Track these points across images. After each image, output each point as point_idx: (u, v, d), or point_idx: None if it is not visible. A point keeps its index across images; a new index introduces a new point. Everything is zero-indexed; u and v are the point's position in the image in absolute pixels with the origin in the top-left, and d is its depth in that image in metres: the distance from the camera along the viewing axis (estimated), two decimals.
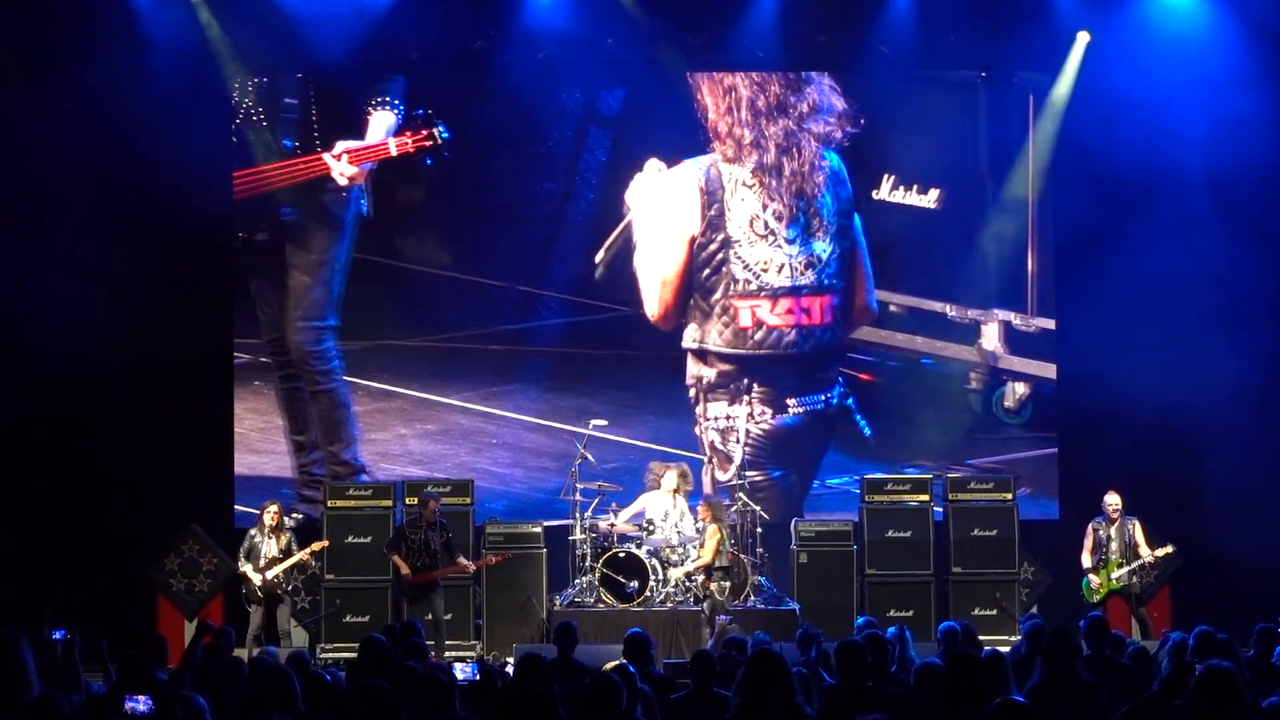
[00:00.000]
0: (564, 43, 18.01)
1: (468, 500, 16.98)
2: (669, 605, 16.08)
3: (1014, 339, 18.30)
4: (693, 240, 18.12)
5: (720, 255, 18.11)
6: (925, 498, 17.13)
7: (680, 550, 16.34)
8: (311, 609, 17.07)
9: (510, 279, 18.40)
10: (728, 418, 17.88)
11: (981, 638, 12.46)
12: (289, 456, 18.20)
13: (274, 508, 16.11)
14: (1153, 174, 17.53)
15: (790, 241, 18.14)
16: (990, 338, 18.25)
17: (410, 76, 18.28)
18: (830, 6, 18.13)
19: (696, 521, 16.34)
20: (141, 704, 7.77)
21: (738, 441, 17.70)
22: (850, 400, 18.32)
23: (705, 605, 15.65)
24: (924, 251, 18.36)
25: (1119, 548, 16.01)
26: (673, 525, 16.41)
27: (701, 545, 15.78)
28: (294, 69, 18.14)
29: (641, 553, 16.17)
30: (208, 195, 17.48)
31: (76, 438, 17.45)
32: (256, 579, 15.75)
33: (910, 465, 17.86)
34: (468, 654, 15.80)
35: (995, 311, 18.26)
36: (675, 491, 16.63)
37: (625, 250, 18.22)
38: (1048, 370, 18.20)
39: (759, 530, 16.72)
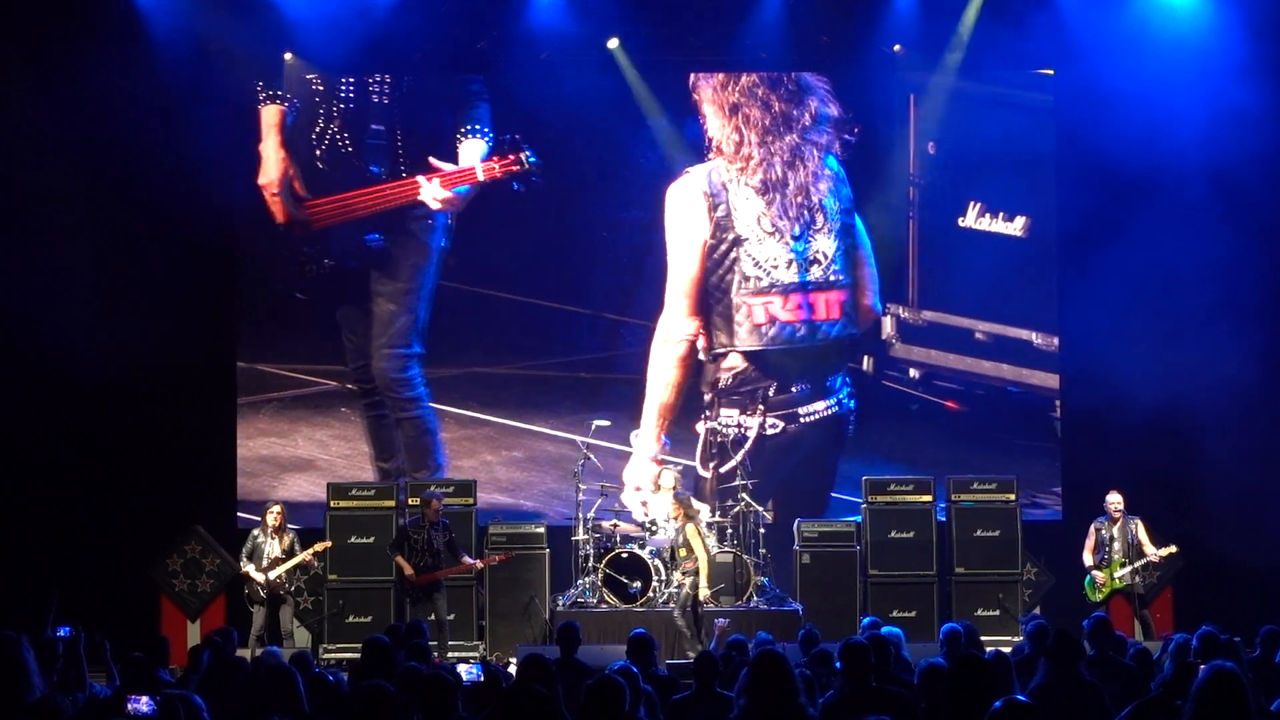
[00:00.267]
0: (565, 43, 18.05)
1: (470, 501, 16.97)
2: (671, 606, 16.05)
3: None
4: (705, 246, 18.19)
5: (731, 254, 18.19)
6: (928, 498, 17.12)
7: (705, 549, 16.30)
8: (314, 609, 17.08)
9: (596, 306, 18.43)
10: (740, 426, 17.84)
11: (984, 638, 12.45)
12: None
13: (277, 508, 16.11)
14: (1157, 169, 17.53)
15: (796, 238, 18.20)
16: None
17: (495, 102, 18.37)
18: (839, 6, 18.14)
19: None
20: (144, 704, 7.76)
21: (741, 446, 17.60)
22: (853, 404, 18.32)
23: (676, 601, 15.57)
24: (1011, 279, 18.37)
25: (1121, 547, 16.00)
26: (675, 525, 16.39)
27: (691, 550, 15.60)
28: (295, 71, 18.12)
29: (644, 553, 16.18)
30: (211, 200, 17.58)
31: (79, 439, 17.46)
32: (259, 579, 15.75)
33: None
34: (470, 654, 15.80)
35: None
36: (675, 490, 16.63)
37: None
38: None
39: (761, 531, 16.72)
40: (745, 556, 16.34)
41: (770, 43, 18.15)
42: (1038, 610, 16.90)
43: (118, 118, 17.13)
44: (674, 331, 18.28)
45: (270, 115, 18.35)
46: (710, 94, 18.26)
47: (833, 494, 18.26)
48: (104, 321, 17.02)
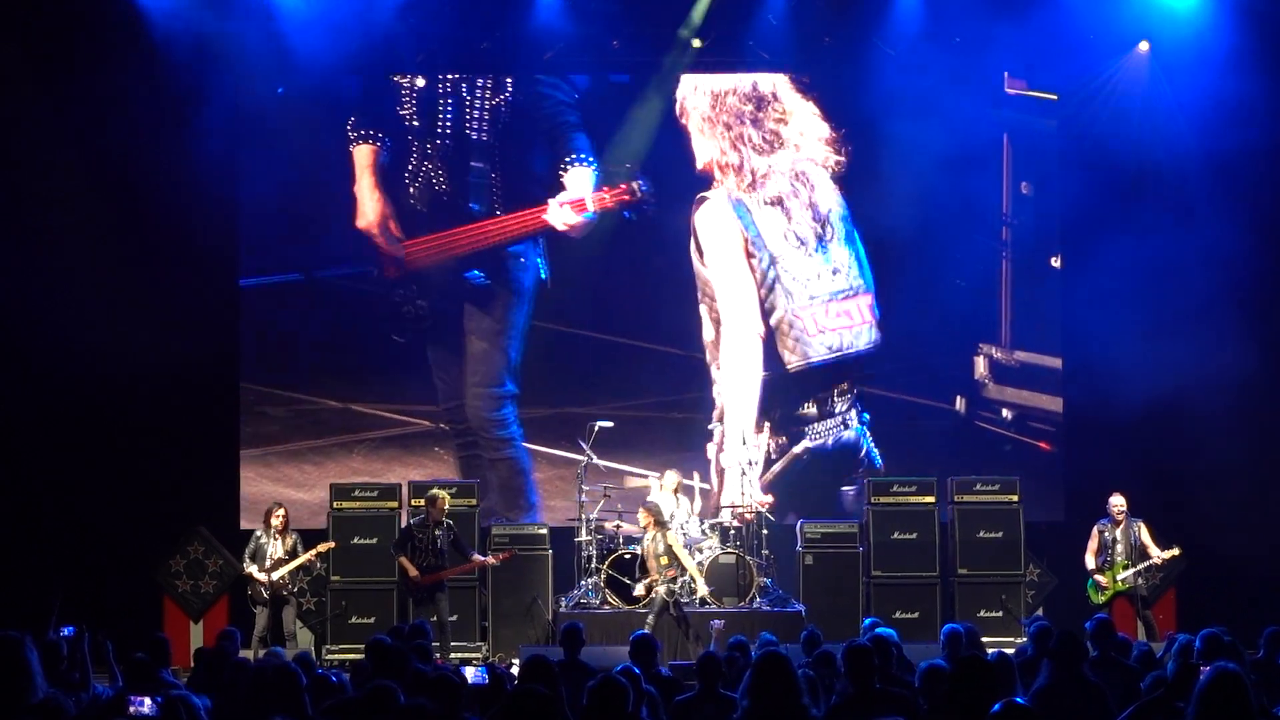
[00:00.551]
0: (568, 43, 18.08)
1: (473, 501, 16.98)
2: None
3: None
4: (749, 259, 18.20)
5: (771, 272, 18.20)
6: (931, 499, 17.12)
7: (686, 551, 16.33)
8: (317, 610, 17.08)
9: (688, 346, 18.39)
10: (754, 445, 17.80)
11: (986, 639, 12.46)
12: None
13: (281, 509, 16.12)
14: (1161, 166, 17.55)
15: (818, 250, 18.29)
16: None
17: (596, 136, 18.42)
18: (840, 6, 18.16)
19: (691, 523, 16.45)
20: (146, 706, 7.77)
21: (753, 464, 17.57)
22: (867, 422, 18.32)
23: (652, 603, 15.57)
24: None
25: (1124, 549, 16.00)
26: (678, 525, 16.41)
27: (673, 559, 15.57)
28: (297, 73, 18.13)
29: None
30: (214, 204, 17.63)
31: (82, 439, 17.46)
32: (262, 580, 15.75)
33: None
34: (473, 655, 15.80)
35: None
36: (676, 491, 16.65)
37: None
38: None
39: (765, 532, 16.71)
40: (748, 558, 16.33)
41: (774, 44, 18.15)
42: (1040, 611, 16.89)
43: (122, 119, 17.14)
44: (748, 339, 18.21)
45: (363, 156, 18.36)
46: (698, 118, 18.24)
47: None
48: (107, 323, 17.02)
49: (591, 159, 18.40)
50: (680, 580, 15.53)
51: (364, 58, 17.98)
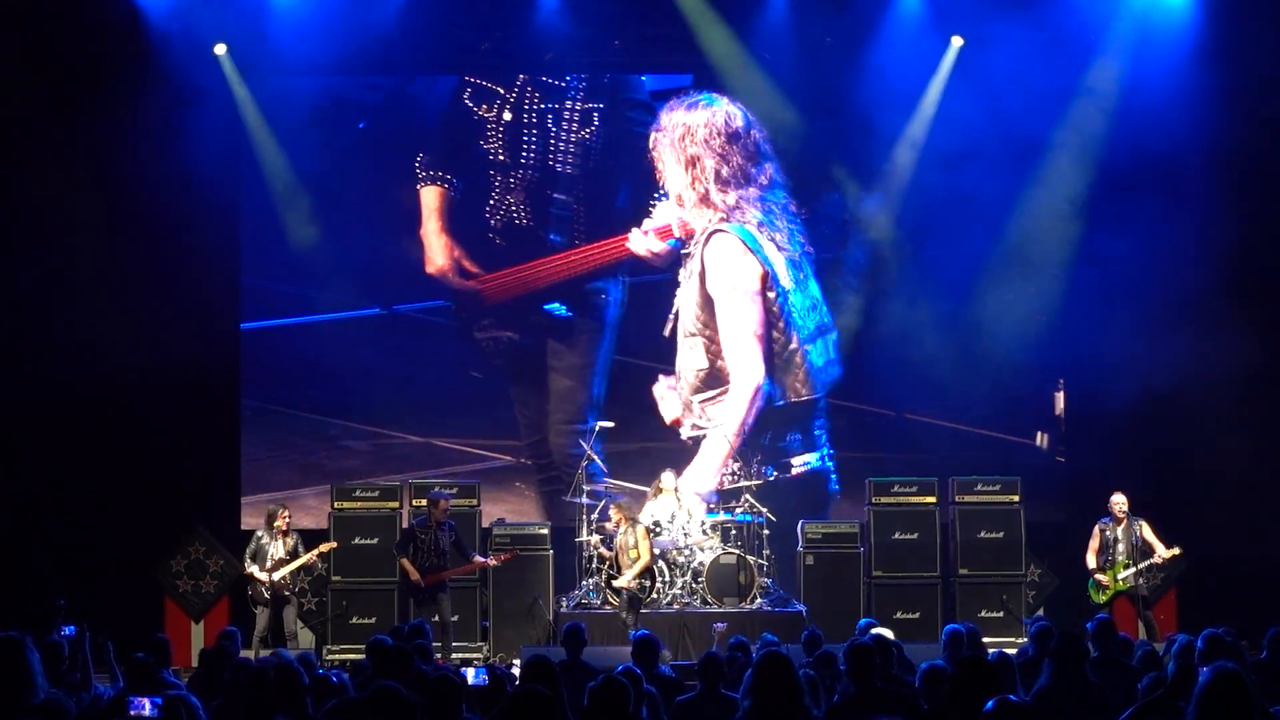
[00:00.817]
0: (569, 45, 18.08)
1: (474, 502, 16.98)
2: (675, 607, 16.08)
3: None
4: (758, 294, 18.19)
5: (782, 305, 18.22)
6: (932, 500, 17.12)
7: (687, 552, 16.35)
8: (318, 610, 17.08)
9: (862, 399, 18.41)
10: (734, 475, 17.77)
11: (987, 640, 12.47)
12: None
13: (285, 511, 16.12)
14: (1157, 160, 17.57)
15: (800, 288, 18.33)
16: None
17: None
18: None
19: (692, 524, 16.46)
20: (146, 707, 7.76)
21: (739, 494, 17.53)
22: (832, 464, 18.32)
23: (622, 604, 15.63)
24: None
25: (1125, 548, 15.98)
26: (679, 526, 16.42)
27: (635, 547, 15.75)
28: (295, 73, 18.15)
29: None
30: (215, 207, 17.70)
31: (83, 440, 17.47)
32: (263, 580, 15.75)
33: None
34: (475, 656, 15.81)
35: None
36: (676, 491, 16.67)
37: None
38: None
39: (765, 532, 16.72)
40: (749, 558, 16.34)
41: (777, 45, 18.15)
42: (1041, 612, 16.89)
43: (124, 121, 17.15)
44: (750, 383, 18.17)
45: (431, 197, 18.40)
46: (668, 148, 18.22)
47: None
48: (108, 323, 17.04)
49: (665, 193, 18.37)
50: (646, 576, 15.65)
51: (359, 59, 18.00)
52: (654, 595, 16.05)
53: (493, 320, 18.32)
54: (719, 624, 14.91)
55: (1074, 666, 8.39)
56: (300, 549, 15.98)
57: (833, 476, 18.24)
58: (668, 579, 16.25)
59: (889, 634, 10.98)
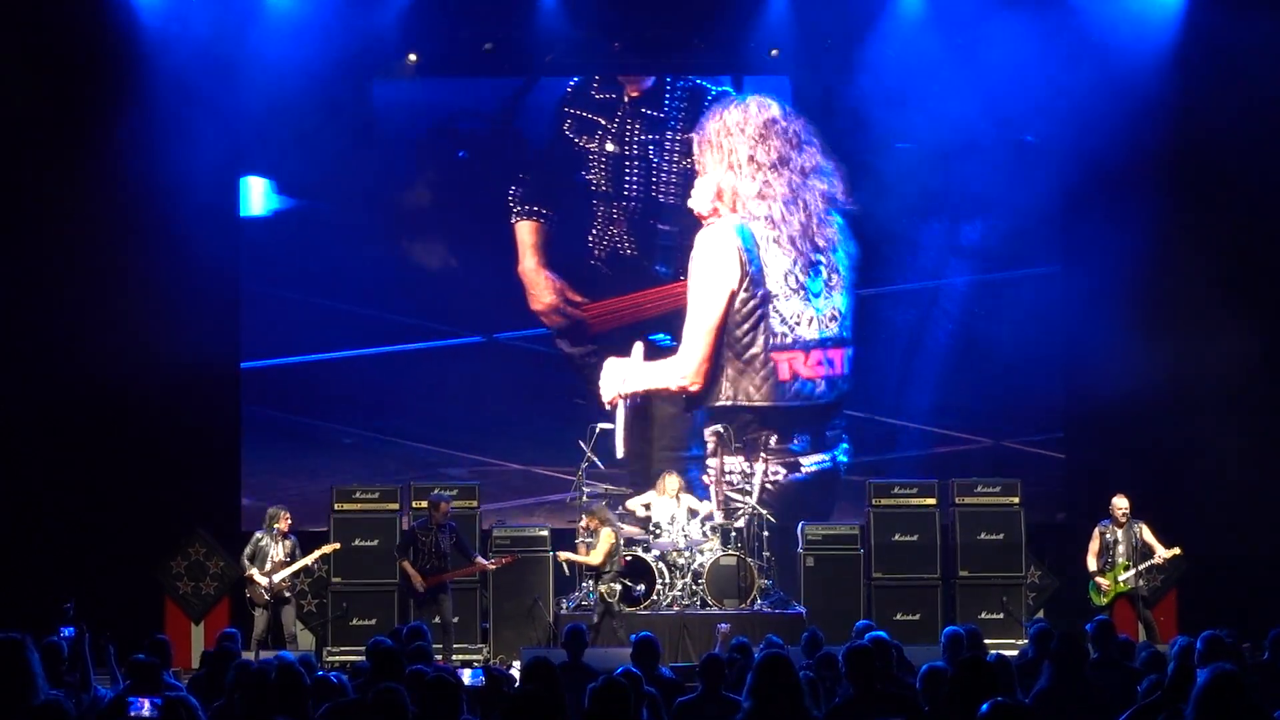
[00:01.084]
0: (570, 46, 18.09)
1: (474, 503, 16.98)
2: (675, 609, 16.09)
3: None
4: (732, 295, 18.17)
5: (760, 310, 18.17)
6: (932, 501, 17.12)
7: (687, 554, 16.37)
8: (318, 612, 17.08)
9: (871, 410, 18.36)
10: (744, 474, 17.79)
11: (988, 641, 12.45)
12: None
13: (285, 513, 16.12)
14: (1157, 159, 17.58)
15: (815, 295, 18.22)
16: None
17: None
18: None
19: (692, 525, 16.47)
20: (146, 708, 7.77)
21: (748, 492, 17.52)
22: (846, 459, 18.28)
23: (596, 609, 15.65)
24: None
25: (1126, 550, 15.98)
26: (679, 528, 16.43)
27: (593, 547, 15.81)
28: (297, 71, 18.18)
29: (648, 556, 16.20)
30: (215, 210, 17.74)
31: (84, 441, 17.47)
32: (263, 582, 15.75)
33: None
34: (475, 657, 15.82)
35: None
36: (678, 494, 16.68)
37: None
38: None
39: (765, 534, 16.72)
40: (749, 560, 16.34)
41: (782, 44, 18.16)
42: (1041, 614, 16.89)
43: (125, 124, 17.19)
44: (686, 372, 18.21)
45: (526, 233, 18.40)
46: (704, 144, 18.21)
47: None
48: (109, 324, 17.05)
49: None
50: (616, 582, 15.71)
51: (360, 60, 18.02)
52: (654, 597, 16.06)
53: (597, 348, 18.33)
54: (722, 625, 14.93)
55: (1074, 668, 8.39)
56: (298, 552, 15.97)
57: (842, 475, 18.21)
58: (668, 581, 16.26)
59: (882, 635, 10.99)
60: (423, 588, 15.17)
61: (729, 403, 18.06)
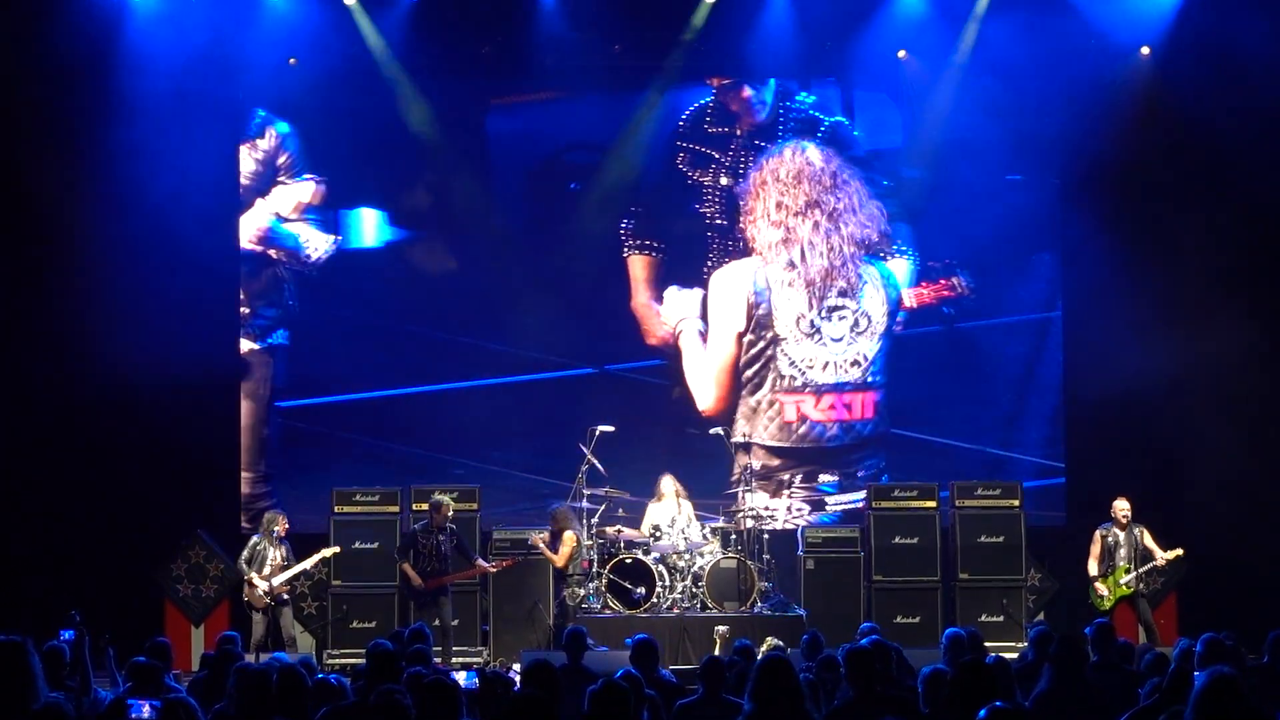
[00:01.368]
0: (569, 49, 18.08)
1: (474, 506, 16.98)
2: (675, 611, 16.09)
3: None
4: (740, 336, 18.24)
5: (768, 352, 18.21)
6: (932, 504, 17.12)
7: (687, 556, 16.37)
8: (318, 615, 17.08)
9: (981, 442, 18.34)
10: (766, 509, 17.79)
11: (988, 644, 12.44)
12: None
13: (283, 517, 16.13)
14: (1156, 157, 17.58)
15: (836, 340, 18.20)
16: None
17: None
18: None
19: (692, 528, 16.48)
20: (145, 709, 7.78)
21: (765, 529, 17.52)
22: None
23: (558, 609, 15.70)
24: None
25: (1127, 554, 15.98)
26: (679, 531, 16.43)
27: (557, 550, 15.86)
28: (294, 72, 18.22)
29: (648, 559, 16.20)
30: (215, 212, 17.80)
31: (84, 443, 17.48)
32: (262, 585, 15.74)
33: None
34: (475, 660, 15.82)
35: None
36: (677, 497, 16.68)
37: None
38: None
39: (765, 536, 16.72)
40: (749, 562, 16.34)
41: (781, 51, 18.16)
42: (1041, 616, 16.89)
43: (126, 124, 17.19)
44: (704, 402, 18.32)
45: (639, 268, 18.49)
46: (753, 198, 18.27)
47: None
48: (110, 328, 17.05)
49: (910, 250, 18.35)
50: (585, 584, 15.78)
51: (360, 64, 18.04)
52: (654, 600, 16.06)
53: None
54: (720, 627, 14.94)
55: (1073, 671, 8.39)
56: (291, 558, 15.97)
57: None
58: (668, 583, 16.25)
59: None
60: (421, 587, 15.17)
61: (744, 439, 18.04)
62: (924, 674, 7.85)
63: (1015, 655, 12.82)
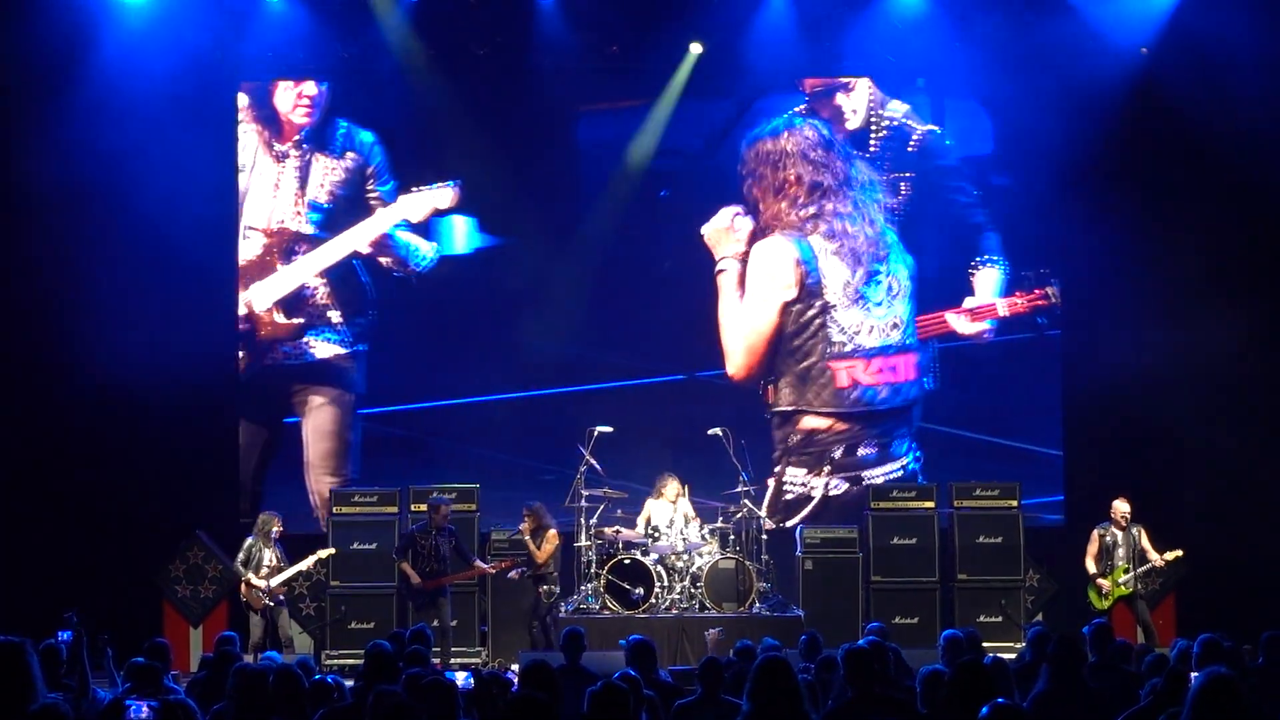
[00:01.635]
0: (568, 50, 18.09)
1: (473, 507, 16.98)
2: (674, 612, 16.10)
3: None
4: (785, 306, 18.23)
5: (818, 320, 18.20)
6: (930, 504, 17.12)
7: (685, 557, 16.38)
8: (317, 615, 17.08)
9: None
10: (805, 485, 17.78)
11: (987, 644, 12.46)
12: None
13: (278, 519, 16.12)
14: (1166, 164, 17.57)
15: (878, 304, 18.23)
16: None
17: None
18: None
19: (691, 528, 16.47)
20: (143, 710, 7.77)
21: (805, 505, 17.54)
22: (919, 465, 18.24)
23: (531, 607, 15.76)
24: None
25: (1126, 554, 15.99)
26: (678, 532, 16.44)
27: (540, 547, 15.86)
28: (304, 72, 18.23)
29: (647, 560, 16.21)
30: (214, 215, 17.85)
31: (84, 444, 17.50)
32: (261, 585, 15.74)
33: None
34: (474, 661, 15.83)
35: None
36: (676, 498, 16.68)
37: None
38: None
39: (763, 537, 16.73)
40: (747, 563, 16.35)
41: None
42: (1040, 617, 16.89)
43: (126, 127, 17.21)
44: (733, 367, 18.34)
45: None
46: (757, 165, 18.27)
47: None
48: (109, 328, 17.07)
49: (1000, 260, 18.34)
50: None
51: (353, 63, 18.05)
52: (652, 601, 16.06)
53: None
54: (711, 630, 14.94)
55: (1071, 671, 8.39)
56: (284, 560, 15.97)
57: (920, 479, 18.09)
58: (666, 584, 16.26)
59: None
60: (420, 586, 15.17)
61: (790, 408, 18.07)
62: (922, 674, 7.85)
63: (1014, 656, 12.83)
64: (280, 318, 18.29)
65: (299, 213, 18.35)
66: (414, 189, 18.31)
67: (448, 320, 18.37)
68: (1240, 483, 17.22)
